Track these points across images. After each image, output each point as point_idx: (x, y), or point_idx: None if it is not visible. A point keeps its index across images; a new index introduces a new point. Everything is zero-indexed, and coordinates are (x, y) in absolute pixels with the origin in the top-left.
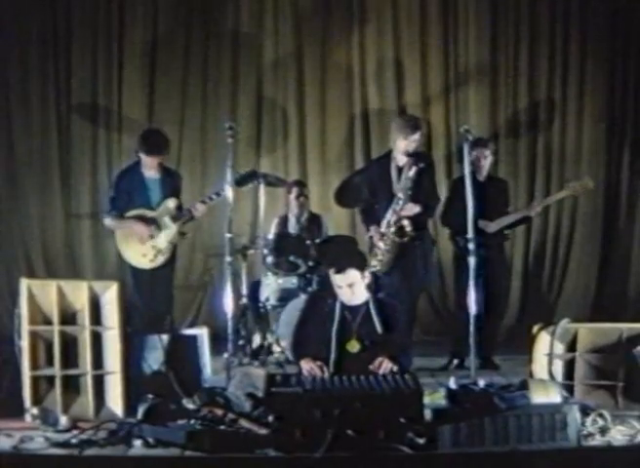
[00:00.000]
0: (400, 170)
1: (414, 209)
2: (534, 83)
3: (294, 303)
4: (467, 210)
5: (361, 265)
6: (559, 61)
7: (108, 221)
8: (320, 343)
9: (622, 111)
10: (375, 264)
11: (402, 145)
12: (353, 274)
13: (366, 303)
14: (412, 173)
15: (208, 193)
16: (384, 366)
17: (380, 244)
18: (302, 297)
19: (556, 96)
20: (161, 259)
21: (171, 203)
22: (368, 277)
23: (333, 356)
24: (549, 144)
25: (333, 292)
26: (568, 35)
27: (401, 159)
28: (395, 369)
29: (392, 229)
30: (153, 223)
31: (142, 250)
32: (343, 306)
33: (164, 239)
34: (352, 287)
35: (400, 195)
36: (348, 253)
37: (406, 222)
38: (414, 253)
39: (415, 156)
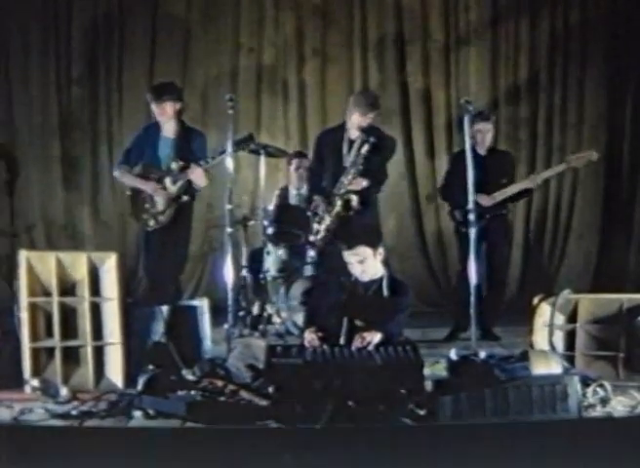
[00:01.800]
0: (351, 143)
1: (362, 183)
2: (534, 51)
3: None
4: (468, 182)
5: (374, 242)
6: (560, 34)
7: (117, 174)
8: (330, 314)
9: (624, 79)
10: (319, 237)
11: (357, 120)
12: (363, 250)
13: (379, 280)
14: (365, 148)
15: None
16: (368, 339)
17: (326, 215)
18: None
19: (557, 63)
20: (162, 220)
21: (174, 165)
22: (382, 253)
23: (344, 328)
24: (551, 113)
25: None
26: (570, 8)
27: (354, 133)
28: (379, 337)
29: (339, 202)
30: (158, 180)
31: (143, 210)
32: (356, 280)
33: (162, 200)
34: (362, 263)
35: (351, 169)
36: (361, 229)
37: (353, 196)
38: (355, 225)
39: (368, 131)
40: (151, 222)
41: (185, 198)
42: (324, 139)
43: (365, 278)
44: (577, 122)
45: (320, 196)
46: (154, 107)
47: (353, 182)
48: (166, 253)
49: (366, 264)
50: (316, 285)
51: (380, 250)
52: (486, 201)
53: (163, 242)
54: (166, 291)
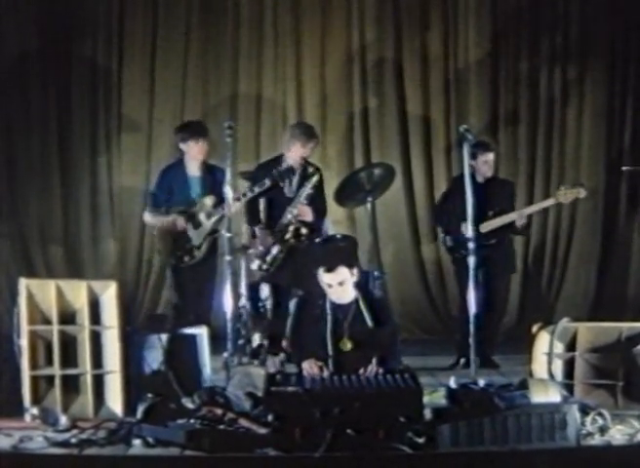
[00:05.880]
0: (292, 173)
1: (310, 214)
2: (534, 83)
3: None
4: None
5: (350, 263)
6: (559, 61)
7: (148, 217)
8: (315, 345)
9: (622, 111)
10: (264, 266)
11: (299, 151)
12: (343, 272)
13: (355, 301)
14: (314, 179)
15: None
16: (370, 372)
17: (275, 247)
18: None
19: (556, 96)
20: (198, 255)
21: (208, 200)
22: (356, 275)
23: (331, 355)
24: (549, 144)
25: (321, 293)
26: (569, 28)
27: (292, 163)
28: (381, 372)
29: (289, 232)
30: (191, 219)
31: (178, 247)
32: (334, 305)
33: (199, 236)
34: (343, 284)
35: (301, 199)
36: (337, 251)
37: (303, 226)
38: (298, 256)
39: (314, 165)
40: (186, 258)
41: (222, 232)
42: (261, 173)
43: (342, 301)
44: (575, 151)
45: (262, 227)
46: (194, 145)
47: (301, 213)
48: (198, 287)
49: (345, 285)
50: (299, 316)
51: (355, 270)
52: (467, 231)
53: (193, 276)
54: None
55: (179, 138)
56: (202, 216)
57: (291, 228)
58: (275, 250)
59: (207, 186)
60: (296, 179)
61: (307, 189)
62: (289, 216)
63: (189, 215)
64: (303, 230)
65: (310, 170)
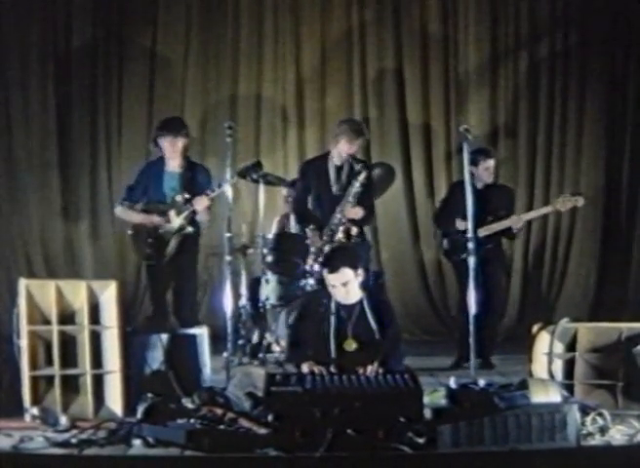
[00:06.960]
0: (339, 171)
1: (360, 212)
2: (534, 86)
3: (293, 304)
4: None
5: (354, 263)
6: (559, 63)
7: (119, 211)
8: (317, 344)
9: (622, 113)
10: (315, 265)
11: (345, 148)
12: (347, 272)
13: (360, 302)
14: (362, 176)
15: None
16: (370, 372)
17: (327, 248)
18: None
19: (556, 97)
20: (166, 253)
21: (179, 197)
22: (361, 275)
23: (333, 356)
24: (549, 147)
25: (327, 292)
26: (568, 36)
27: (340, 161)
28: (381, 372)
29: (340, 231)
30: (162, 216)
31: (149, 244)
32: (338, 305)
33: (167, 233)
34: (346, 285)
35: (349, 198)
36: (339, 252)
37: (353, 226)
38: (334, 250)
39: (362, 162)
40: (155, 256)
41: (190, 229)
42: (309, 169)
43: (347, 301)
44: (575, 153)
45: (313, 227)
46: (165, 142)
47: (351, 212)
48: (173, 285)
49: (349, 286)
50: (303, 315)
51: (360, 271)
52: (460, 225)
53: (169, 273)
54: (170, 319)
55: (156, 136)
56: (172, 213)
57: (341, 228)
58: (327, 250)
59: (183, 182)
60: (343, 177)
61: (355, 187)
62: (338, 216)
63: (161, 212)
64: (354, 230)
65: (357, 167)
